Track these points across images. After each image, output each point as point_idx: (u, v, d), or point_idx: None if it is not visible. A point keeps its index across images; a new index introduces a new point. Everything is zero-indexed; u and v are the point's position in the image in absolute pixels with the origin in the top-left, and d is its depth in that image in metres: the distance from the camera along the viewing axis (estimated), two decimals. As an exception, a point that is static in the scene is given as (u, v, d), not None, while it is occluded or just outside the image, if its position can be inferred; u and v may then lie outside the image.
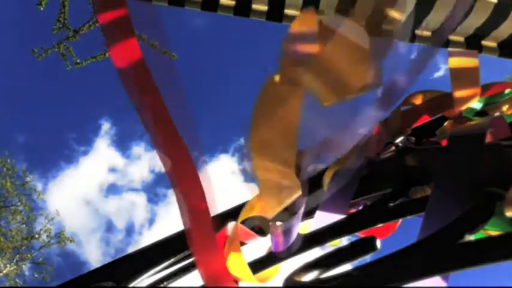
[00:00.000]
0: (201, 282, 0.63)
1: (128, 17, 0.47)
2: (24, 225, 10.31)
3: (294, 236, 0.57)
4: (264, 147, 0.49)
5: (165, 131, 0.48)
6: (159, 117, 0.47)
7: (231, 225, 0.62)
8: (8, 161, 10.17)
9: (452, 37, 1.72)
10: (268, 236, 0.65)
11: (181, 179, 0.49)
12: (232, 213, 0.65)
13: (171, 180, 0.49)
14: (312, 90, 0.47)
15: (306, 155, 0.55)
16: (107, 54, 4.49)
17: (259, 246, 0.66)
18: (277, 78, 0.50)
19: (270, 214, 0.56)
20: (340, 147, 0.55)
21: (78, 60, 4.54)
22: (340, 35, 0.46)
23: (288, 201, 0.53)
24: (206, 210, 0.50)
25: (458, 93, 0.65)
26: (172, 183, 0.49)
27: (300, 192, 0.51)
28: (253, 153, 0.49)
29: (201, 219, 0.50)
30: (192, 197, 0.50)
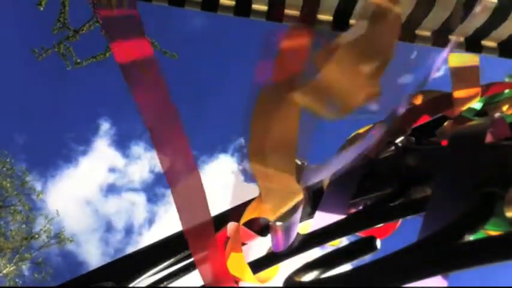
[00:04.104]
0: (201, 282, 0.63)
1: (138, 14, 0.47)
2: (23, 226, 10.29)
3: (294, 235, 0.57)
4: (262, 155, 0.49)
5: (171, 129, 0.48)
6: (167, 114, 0.47)
7: (231, 226, 0.62)
8: (8, 160, 10.15)
9: (452, 37, 1.72)
10: (268, 236, 0.65)
11: (181, 178, 0.49)
12: (232, 213, 0.65)
13: (169, 180, 0.49)
14: (308, 108, 0.46)
15: (306, 170, 0.54)
16: (107, 54, 4.49)
17: (259, 246, 0.66)
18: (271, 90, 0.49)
19: (272, 217, 0.56)
20: (338, 164, 0.55)
21: (79, 60, 4.54)
22: (337, 56, 0.44)
23: (290, 205, 0.53)
24: (206, 209, 0.50)
25: (459, 93, 0.65)
26: (171, 183, 0.49)
27: (301, 196, 0.51)
28: (252, 161, 0.49)
29: (201, 219, 0.50)
30: (192, 198, 0.49)
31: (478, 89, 0.65)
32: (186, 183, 0.50)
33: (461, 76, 0.66)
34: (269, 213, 0.55)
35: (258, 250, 0.65)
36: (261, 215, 0.61)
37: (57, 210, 10.82)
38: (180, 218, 0.50)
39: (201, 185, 0.51)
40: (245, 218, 0.61)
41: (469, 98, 0.65)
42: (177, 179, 0.50)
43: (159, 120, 0.48)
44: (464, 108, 0.65)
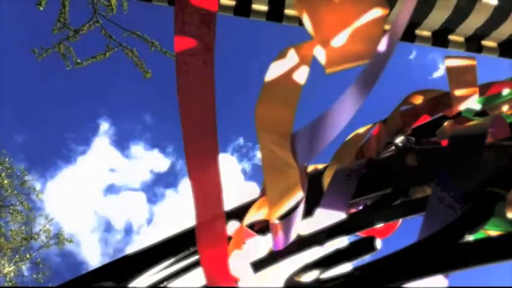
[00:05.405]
0: (201, 283, 0.63)
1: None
2: (23, 226, 10.28)
3: (294, 232, 0.57)
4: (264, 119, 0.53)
5: (206, 119, 0.50)
6: (206, 105, 0.50)
7: (232, 225, 0.62)
8: (7, 159, 10.13)
9: (452, 37, 1.72)
10: (268, 236, 0.65)
11: (203, 172, 0.49)
12: (233, 213, 0.65)
13: (191, 170, 0.49)
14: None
15: (299, 138, 0.55)
16: (107, 54, 4.49)
17: (259, 246, 0.66)
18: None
19: (273, 215, 0.56)
20: (330, 129, 0.55)
21: (79, 60, 4.54)
22: None
23: (291, 198, 0.54)
24: (220, 206, 0.50)
25: (456, 92, 0.65)
26: (192, 174, 0.49)
27: (302, 194, 0.51)
28: (257, 128, 0.53)
29: (215, 215, 0.50)
30: (208, 190, 0.50)
31: (475, 88, 0.65)
32: (206, 179, 0.50)
33: (458, 74, 0.66)
34: (270, 211, 0.55)
35: (258, 250, 0.65)
36: (265, 216, 0.61)
37: (57, 212, 10.79)
38: (196, 211, 0.51)
39: (220, 181, 0.51)
40: (248, 219, 0.61)
41: (467, 97, 0.65)
42: (199, 173, 0.50)
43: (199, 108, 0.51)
44: (463, 107, 0.65)
